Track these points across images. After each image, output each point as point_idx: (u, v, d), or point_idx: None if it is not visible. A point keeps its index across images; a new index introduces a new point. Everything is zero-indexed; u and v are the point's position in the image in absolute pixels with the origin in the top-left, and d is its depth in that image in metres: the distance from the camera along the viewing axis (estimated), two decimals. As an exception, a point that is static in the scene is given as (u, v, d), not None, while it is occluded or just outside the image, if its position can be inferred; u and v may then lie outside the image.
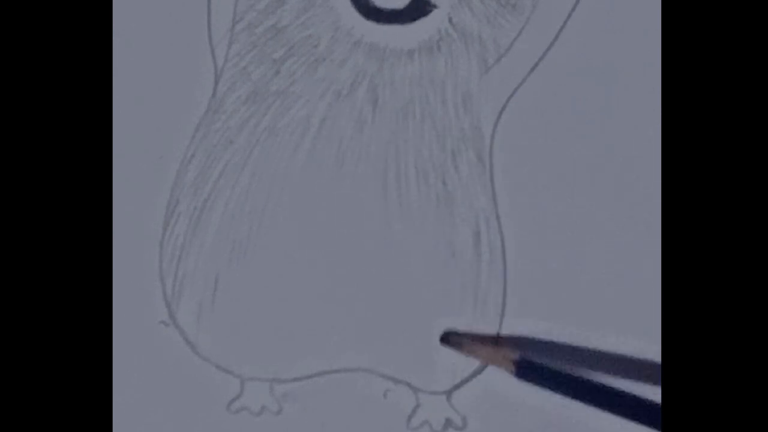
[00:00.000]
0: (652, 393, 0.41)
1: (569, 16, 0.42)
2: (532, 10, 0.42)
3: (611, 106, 0.42)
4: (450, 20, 0.42)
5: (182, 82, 0.43)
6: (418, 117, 0.43)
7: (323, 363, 0.43)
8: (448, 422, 0.43)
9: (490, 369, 0.43)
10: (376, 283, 0.43)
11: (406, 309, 0.43)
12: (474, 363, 0.43)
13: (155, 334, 0.43)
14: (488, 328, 0.42)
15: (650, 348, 0.42)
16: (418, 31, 0.42)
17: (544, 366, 0.41)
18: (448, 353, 0.42)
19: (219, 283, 0.43)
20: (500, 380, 0.42)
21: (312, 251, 0.43)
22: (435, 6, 0.42)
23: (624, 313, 0.42)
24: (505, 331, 0.42)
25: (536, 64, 0.42)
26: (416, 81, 0.43)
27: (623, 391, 0.41)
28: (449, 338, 0.42)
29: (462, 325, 0.43)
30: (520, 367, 0.41)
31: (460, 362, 0.43)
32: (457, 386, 0.43)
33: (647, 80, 0.42)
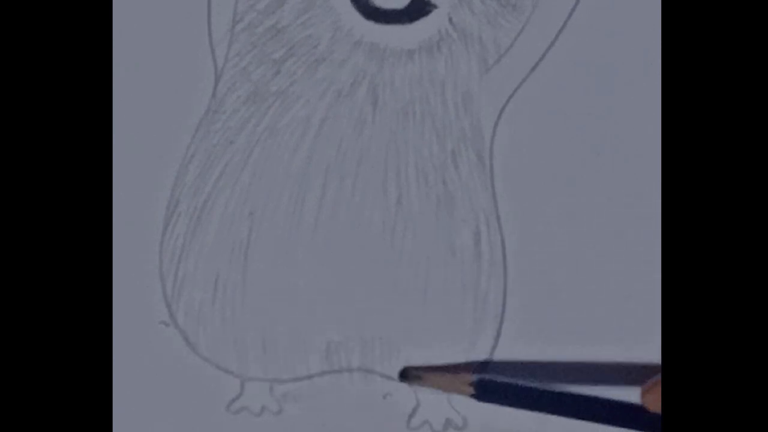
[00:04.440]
0: (634, 395, 0.41)
1: (569, 16, 0.42)
2: (532, 11, 0.42)
3: (611, 106, 0.42)
4: (450, 20, 0.42)
5: (182, 82, 0.43)
6: (418, 117, 0.43)
7: (323, 363, 0.43)
8: (449, 422, 0.43)
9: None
10: (376, 282, 0.43)
11: (406, 309, 0.43)
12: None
13: (155, 334, 0.43)
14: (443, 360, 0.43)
15: (648, 350, 0.42)
16: (418, 31, 0.42)
17: (502, 383, 0.42)
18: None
19: (219, 283, 0.43)
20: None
21: (312, 251, 0.43)
22: (435, 6, 0.42)
23: (623, 313, 0.42)
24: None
25: (536, 64, 0.42)
26: (416, 81, 0.43)
27: (591, 396, 0.41)
28: (407, 374, 0.42)
29: (419, 359, 0.43)
30: (480, 388, 0.42)
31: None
32: (457, 386, 0.43)
33: (647, 80, 0.42)
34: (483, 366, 0.42)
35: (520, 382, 0.42)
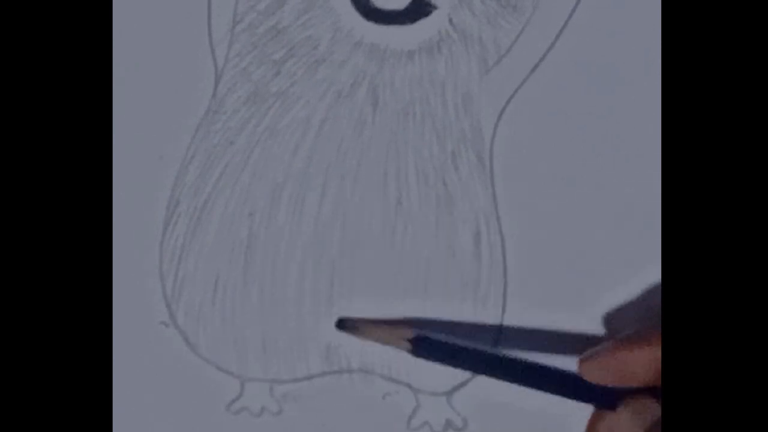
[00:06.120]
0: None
1: (570, 16, 0.42)
2: (532, 11, 0.42)
3: (611, 106, 0.42)
4: (450, 21, 0.42)
5: (182, 83, 0.43)
6: (418, 118, 0.43)
7: (323, 363, 0.43)
8: (449, 423, 0.43)
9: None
10: (376, 283, 0.43)
11: (406, 309, 0.43)
12: None
13: (155, 334, 0.43)
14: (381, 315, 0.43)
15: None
16: (419, 31, 0.42)
17: (439, 341, 0.41)
18: None
19: (219, 283, 0.43)
20: (501, 381, 0.42)
21: (311, 252, 0.43)
22: (435, 7, 0.42)
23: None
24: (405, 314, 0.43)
25: (536, 65, 0.42)
26: (416, 82, 0.43)
27: (526, 360, 0.41)
28: (345, 323, 0.42)
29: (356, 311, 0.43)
30: (417, 344, 0.41)
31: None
32: (457, 387, 0.43)
33: (647, 80, 0.42)
34: (422, 323, 0.42)
35: (457, 341, 0.41)
